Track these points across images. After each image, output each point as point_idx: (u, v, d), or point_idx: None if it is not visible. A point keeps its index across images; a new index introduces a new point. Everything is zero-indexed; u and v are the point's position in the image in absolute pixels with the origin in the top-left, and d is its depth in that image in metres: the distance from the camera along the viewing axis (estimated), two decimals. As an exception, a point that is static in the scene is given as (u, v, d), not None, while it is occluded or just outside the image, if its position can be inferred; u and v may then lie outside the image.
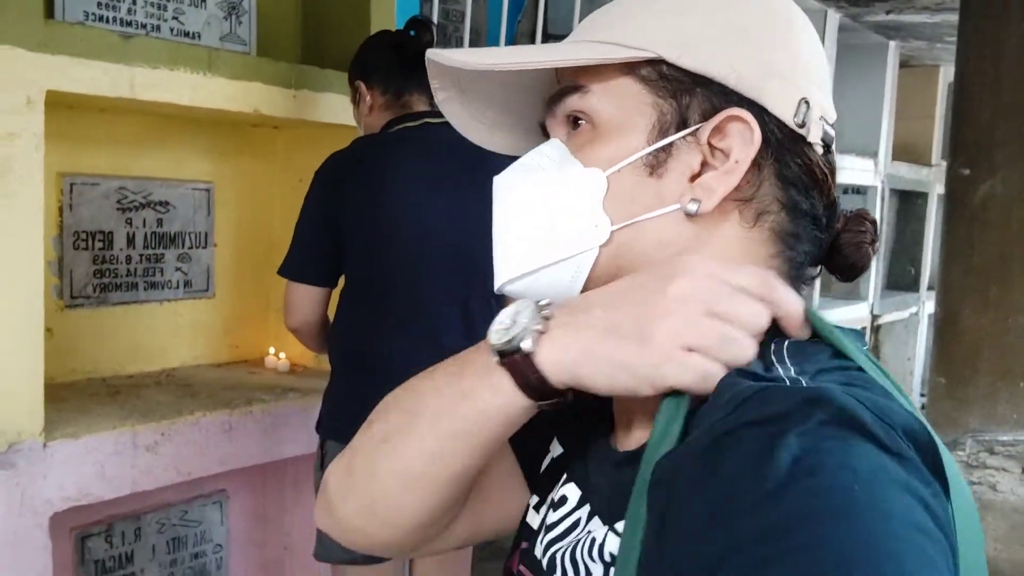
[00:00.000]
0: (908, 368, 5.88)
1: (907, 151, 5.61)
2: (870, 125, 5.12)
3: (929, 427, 0.49)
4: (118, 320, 2.32)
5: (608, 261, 0.62)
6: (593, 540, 0.59)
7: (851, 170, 4.84)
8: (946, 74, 5.66)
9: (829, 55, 4.49)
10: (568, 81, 0.64)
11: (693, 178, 0.61)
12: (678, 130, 0.61)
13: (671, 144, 0.61)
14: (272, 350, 2.57)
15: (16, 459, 1.73)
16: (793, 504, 0.43)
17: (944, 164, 4.12)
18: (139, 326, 2.37)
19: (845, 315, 4.97)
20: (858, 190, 5.16)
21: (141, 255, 2.34)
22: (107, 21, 2.08)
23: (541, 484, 0.73)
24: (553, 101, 0.65)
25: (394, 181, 1.86)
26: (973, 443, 2.62)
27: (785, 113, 0.61)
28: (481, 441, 0.61)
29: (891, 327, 5.85)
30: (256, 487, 2.57)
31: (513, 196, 0.66)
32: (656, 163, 0.61)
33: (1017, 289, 2.28)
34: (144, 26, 2.14)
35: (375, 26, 2.32)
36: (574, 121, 0.64)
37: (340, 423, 1.92)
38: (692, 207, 0.60)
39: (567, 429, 0.73)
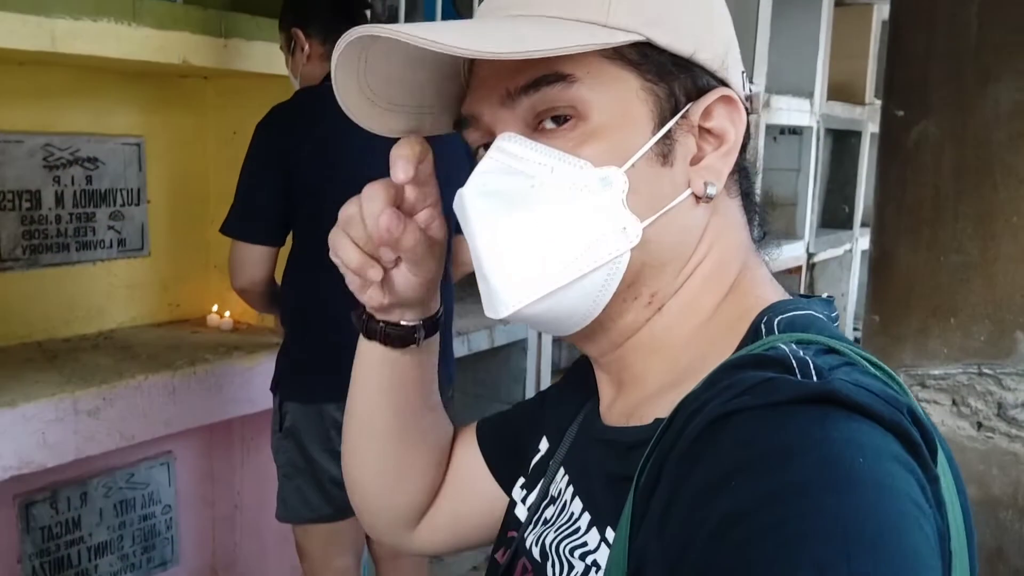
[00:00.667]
0: (842, 304, 6.04)
1: (841, 90, 5.68)
2: (806, 65, 5.16)
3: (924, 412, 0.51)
4: (50, 282, 2.25)
5: (637, 260, 0.58)
6: (584, 543, 0.60)
7: (787, 111, 4.89)
8: (880, 12, 5.73)
9: (766, -5, 4.49)
10: (543, 69, 0.56)
11: (694, 161, 0.59)
12: (673, 114, 0.58)
13: (671, 129, 0.58)
14: (215, 308, 2.53)
15: (-49, 430, 1.68)
16: (802, 471, 0.43)
17: (878, 103, 4.18)
18: (73, 288, 2.30)
19: (783, 254, 5.07)
20: (794, 130, 5.22)
21: (71, 214, 2.26)
22: (22, -32, 1.96)
23: (530, 478, 0.74)
24: (520, 92, 0.57)
25: (348, 137, 1.80)
26: (906, 377, 2.71)
27: (738, 86, 0.61)
28: (371, 385, 0.76)
29: (825, 264, 5.99)
30: (203, 447, 2.54)
31: (504, 208, 0.57)
32: (665, 151, 0.58)
33: (948, 229, 2.36)
34: (62, -27, 2.03)
35: (307, -29, 2.24)
36: (555, 117, 0.57)
37: (302, 385, 1.89)
38: (712, 190, 0.59)
39: (552, 426, 0.75)
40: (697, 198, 0.59)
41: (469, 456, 0.83)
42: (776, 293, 0.62)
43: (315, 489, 1.92)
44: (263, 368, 2.23)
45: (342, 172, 1.81)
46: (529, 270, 0.57)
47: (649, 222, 0.57)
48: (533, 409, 0.81)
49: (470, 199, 0.59)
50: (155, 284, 2.49)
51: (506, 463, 0.80)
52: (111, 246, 2.36)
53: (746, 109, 0.61)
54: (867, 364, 0.53)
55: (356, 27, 0.54)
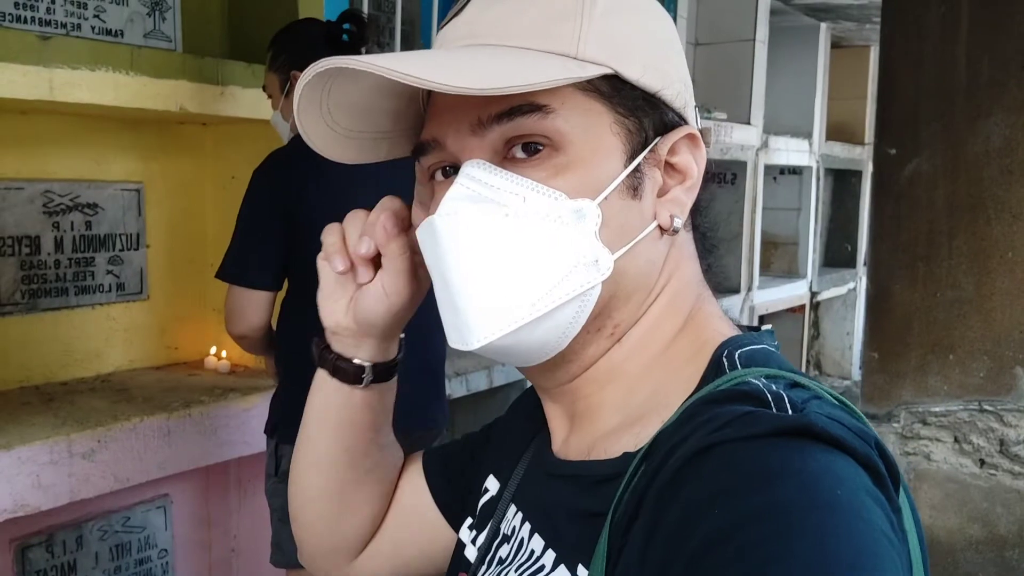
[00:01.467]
0: (847, 343, 6.02)
1: (841, 131, 5.73)
2: (804, 106, 5.22)
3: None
4: (49, 326, 2.27)
5: (606, 292, 0.57)
6: None
7: (786, 151, 4.92)
8: (876, 54, 5.79)
9: (761, 39, 4.55)
10: (519, 100, 0.55)
11: (660, 194, 0.60)
12: (642, 148, 0.58)
13: (640, 163, 0.58)
14: (213, 351, 2.54)
15: (-55, 474, 1.69)
16: (783, 493, 0.44)
17: (875, 143, 4.23)
18: (71, 332, 2.32)
19: (785, 293, 5.07)
20: (794, 170, 5.25)
21: (70, 259, 2.29)
22: (25, 21, 2.02)
23: (479, 519, 0.74)
24: (492, 120, 0.56)
25: (352, 181, 1.82)
26: (907, 415, 2.70)
27: (693, 123, 0.63)
28: (321, 416, 0.77)
29: (830, 304, 5.98)
30: (199, 491, 2.54)
31: (477, 237, 0.56)
32: (635, 184, 0.58)
33: (943, 264, 2.36)
34: (64, 25, 2.09)
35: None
36: (525, 146, 0.57)
37: (291, 428, 1.88)
38: (677, 223, 0.60)
39: (499, 463, 0.74)
40: (662, 230, 0.60)
41: (414, 485, 0.82)
42: (730, 327, 0.63)
43: None
44: (259, 410, 2.24)
45: (343, 217, 1.82)
46: (502, 301, 0.56)
47: (620, 254, 0.57)
48: (478, 443, 0.81)
49: (442, 226, 0.57)
50: (153, 327, 2.51)
51: (451, 494, 0.79)
52: (110, 290, 2.38)
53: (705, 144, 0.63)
54: (830, 397, 0.54)
55: (326, 59, 0.54)
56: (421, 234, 0.60)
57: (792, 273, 5.29)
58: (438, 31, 0.64)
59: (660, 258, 0.61)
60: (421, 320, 2.24)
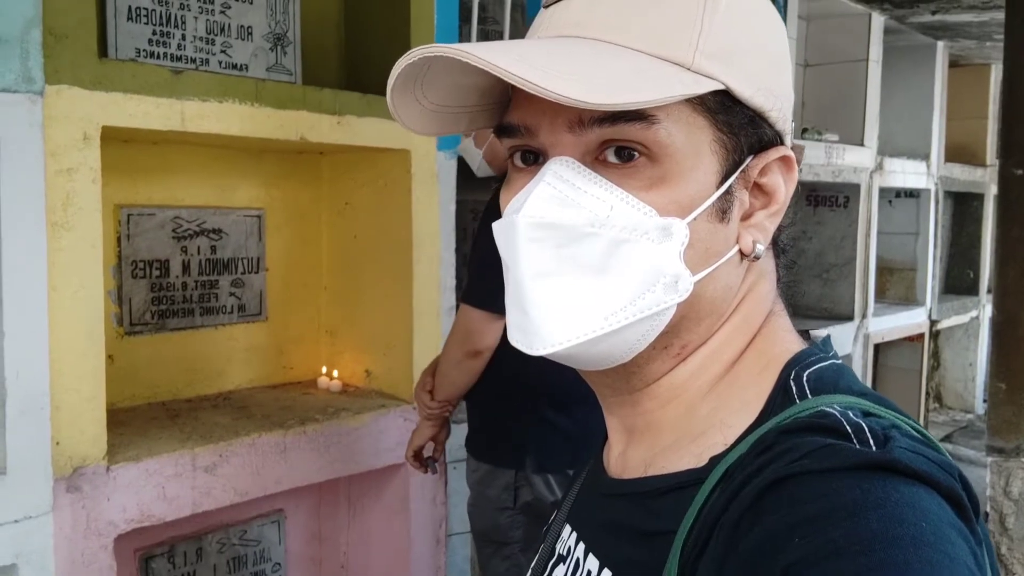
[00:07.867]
0: (970, 374, 5.73)
1: (961, 152, 5.50)
2: (921, 127, 5.04)
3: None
4: (176, 345, 2.39)
5: (678, 312, 0.56)
6: None
7: (902, 173, 4.76)
8: (998, 72, 5.56)
9: (875, 59, 4.43)
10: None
11: (744, 217, 0.58)
12: (735, 168, 0.56)
13: (732, 184, 0.56)
14: (324, 370, 2.62)
15: (81, 483, 1.79)
16: (867, 526, 0.44)
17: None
18: (196, 351, 2.44)
19: (903, 321, 4.88)
20: (911, 193, 5.07)
21: (196, 281, 2.41)
22: (158, 57, 2.15)
23: (543, 541, 0.73)
24: (594, 122, 0.54)
25: None
26: (1038, 450, 2.55)
27: (789, 141, 0.60)
28: None
29: (951, 332, 5.72)
30: (312, 506, 2.61)
31: (559, 245, 0.54)
32: (725, 207, 0.56)
33: (1075, 290, 2.23)
34: (194, 60, 2.21)
35: (416, 50, 2.36)
36: (619, 150, 0.54)
37: (547, 457, 1.91)
38: (760, 249, 0.58)
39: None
40: (743, 255, 0.58)
41: None
42: (798, 342, 0.62)
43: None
44: (369, 429, 2.29)
45: None
46: (575, 312, 0.55)
47: (700, 276, 0.56)
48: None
49: (523, 228, 0.55)
50: (271, 348, 2.61)
51: None
52: (232, 311, 2.49)
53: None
54: (906, 425, 0.53)
55: (437, 45, 0.52)
56: (499, 229, 0.58)
57: (910, 300, 5.09)
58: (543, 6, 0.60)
59: (737, 282, 0.59)
60: None
